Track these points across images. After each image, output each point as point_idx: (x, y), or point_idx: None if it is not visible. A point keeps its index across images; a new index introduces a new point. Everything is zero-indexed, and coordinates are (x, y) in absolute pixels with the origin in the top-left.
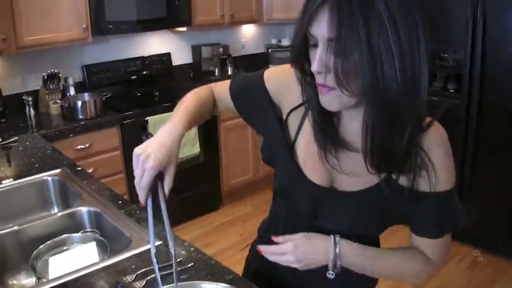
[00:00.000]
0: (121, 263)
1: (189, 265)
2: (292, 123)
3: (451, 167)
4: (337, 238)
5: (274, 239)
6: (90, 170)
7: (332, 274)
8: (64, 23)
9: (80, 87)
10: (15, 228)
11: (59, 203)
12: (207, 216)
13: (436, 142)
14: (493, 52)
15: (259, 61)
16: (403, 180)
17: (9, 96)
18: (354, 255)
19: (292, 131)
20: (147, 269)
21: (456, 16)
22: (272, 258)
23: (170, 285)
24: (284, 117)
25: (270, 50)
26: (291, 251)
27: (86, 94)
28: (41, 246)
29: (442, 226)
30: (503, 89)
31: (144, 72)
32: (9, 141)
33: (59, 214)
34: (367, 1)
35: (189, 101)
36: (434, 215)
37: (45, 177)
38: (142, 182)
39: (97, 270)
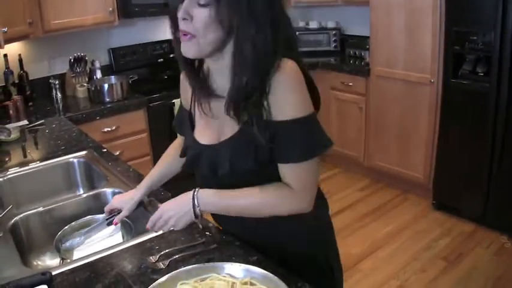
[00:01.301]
0: (145, 244)
1: (213, 246)
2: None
3: (298, 97)
4: (196, 189)
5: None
6: (117, 153)
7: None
8: (90, 6)
9: (107, 70)
10: (40, 209)
11: (84, 184)
12: None
13: (280, 76)
14: None
15: None
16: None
17: (36, 79)
18: (209, 196)
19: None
20: (170, 249)
21: None
22: (155, 229)
23: (193, 266)
24: (189, 106)
25: (298, 33)
26: (159, 217)
27: (113, 77)
28: (66, 227)
29: (300, 151)
30: None
31: (171, 55)
32: (36, 123)
33: (84, 195)
34: None
35: (158, 163)
36: (292, 141)
37: (71, 159)
38: None
39: (121, 250)
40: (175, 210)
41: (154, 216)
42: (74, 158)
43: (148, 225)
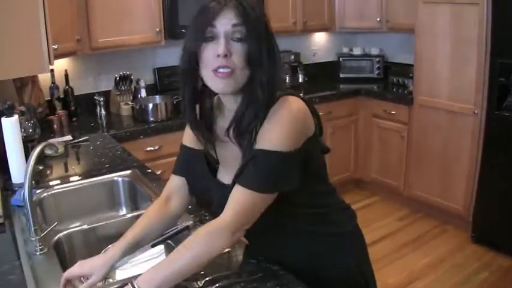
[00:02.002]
0: None
1: (259, 275)
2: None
3: (282, 131)
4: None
5: None
6: (159, 172)
7: None
8: (138, 26)
9: (151, 90)
10: (85, 227)
11: (127, 204)
12: None
13: (277, 108)
14: None
15: (330, 69)
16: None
17: (81, 95)
18: (146, 278)
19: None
20: (216, 275)
21: None
22: None
23: None
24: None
25: (341, 59)
26: None
27: (157, 97)
28: (109, 246)
29: (252, 179)
30: None
31: None
32: (81, 139)
33: (128, 216)
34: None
35: (134, 225)
36: (252, 167)
37: (116, 178)
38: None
39: None
40: None
41: None
42: (119, 176)
43: None
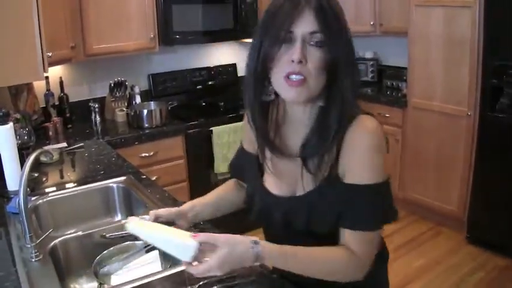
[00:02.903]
0: (183, 273)
1: (251, 278)
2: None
3: (376, 161)
4: (256, 245)
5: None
6: (154, 178)
7: None
8: (132, 32)
9: (146, 96)
10: (80, 233)
11: (122, 210)
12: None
13: (360, 133)
14: None
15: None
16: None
17: (76, 102)
18: (274, 256)
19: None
20: (209, 280)
21: None
22: (201, 276)
23: None
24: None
25: None
26: (217, 268)
27: (152, 103)
28: (105, 251)
29: (369, 219)
30: None
31: (210, 82)
32: (75, 146)
33: (123, 221)
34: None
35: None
36: (362, 208)
37: (111, 184)
38: None
39: (159, 279)
40: (233, 265)
41: (211, 265)
42: (114, 183)
43: (196, 272)
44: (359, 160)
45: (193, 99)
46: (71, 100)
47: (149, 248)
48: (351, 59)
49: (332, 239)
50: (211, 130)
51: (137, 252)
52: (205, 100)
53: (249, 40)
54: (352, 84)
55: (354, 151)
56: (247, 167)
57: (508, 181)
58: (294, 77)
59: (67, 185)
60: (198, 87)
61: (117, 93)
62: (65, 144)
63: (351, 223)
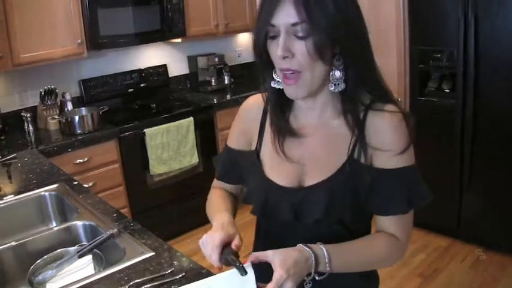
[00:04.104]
0: (115, 275)
1: (181, 275)
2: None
3: (406, 145)
4: (314, 252)
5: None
6: (90, 184)
7: (309, 283)
8: (59, 39)
9: (78, 102)
10: (13, 243)
11: (56, 217)
12: (208, 226)
13: (386, 123)
14: (485, 50)
15: (255, 69)
16: (361, 159)
17: (8, 113)
18: (335, 258)
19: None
20: (139, 280)
21: (448, 16)
22: None
23: None
24: (254, 145)
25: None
26: (287, 279)
27: (84, 109)
28: (39, 260)
29: (403, 202)
30: (498, 87)
31: (141, 85)
32: (8, 157)
33: (56, 229)
34: None
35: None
36: (396, 191)
37: (43, 193)
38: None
39: (92, 282)
40: (298, 273)
41: (279, 280)
42: (46, 191)
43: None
44: (387, 145)
45: (126, 102)
46: (2, 111)
47: (81, 253)
48: (354, 39)
49: (343, 226)
50: (145, 132)
51: (70, 258)
52: (137, 103)
53: (177, 40)
54: (367, 64)
55: (381, 135)
56: (243, 165)
57: (441, 162)
58: (287, 73)
59: (1, 197)
60: (129, 90)
61: (48, 101)
62: None
63: (388, 209)
